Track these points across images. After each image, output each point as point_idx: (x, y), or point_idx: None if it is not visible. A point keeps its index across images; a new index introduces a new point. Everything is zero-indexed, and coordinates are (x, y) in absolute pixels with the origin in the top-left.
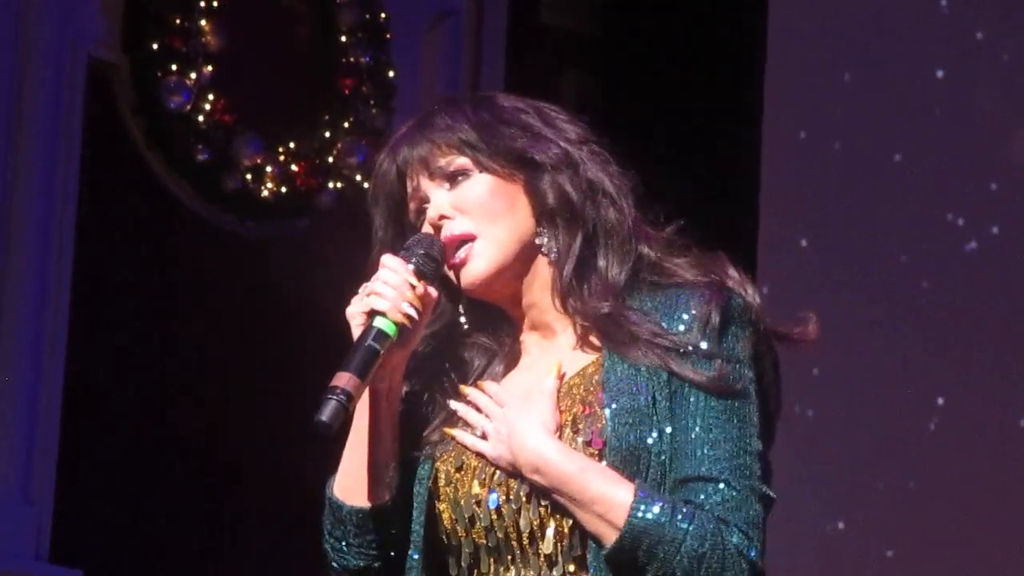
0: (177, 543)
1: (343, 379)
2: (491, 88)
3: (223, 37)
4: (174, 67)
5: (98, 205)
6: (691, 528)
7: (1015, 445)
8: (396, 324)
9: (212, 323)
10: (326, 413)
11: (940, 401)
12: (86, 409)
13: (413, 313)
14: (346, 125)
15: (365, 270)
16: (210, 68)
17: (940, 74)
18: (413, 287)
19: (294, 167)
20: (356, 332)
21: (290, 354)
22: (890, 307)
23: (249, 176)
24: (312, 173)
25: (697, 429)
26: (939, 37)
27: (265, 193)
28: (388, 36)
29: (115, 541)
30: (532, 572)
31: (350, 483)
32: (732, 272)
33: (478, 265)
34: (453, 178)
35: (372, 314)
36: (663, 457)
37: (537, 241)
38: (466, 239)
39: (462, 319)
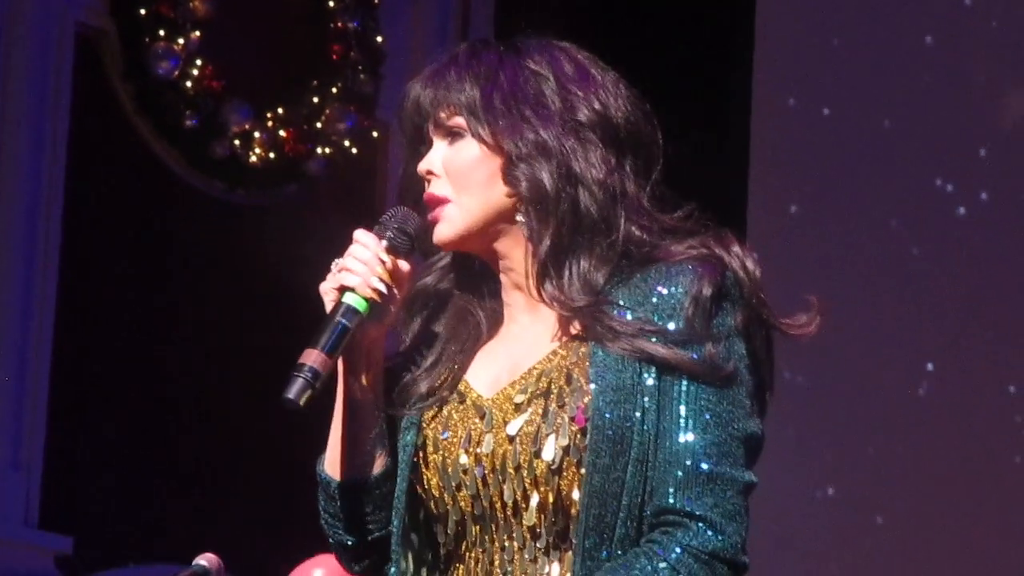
0: (167, 509)
1: (311, 356)
2: None
3: (211, 3)
4: (162, 33)
5: (86, 171)
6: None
7: (1004, 411)
8: (367, 300)
9: (202, 289)
10: (292, 390)
11: (929, 367)
12: (75, 375)
13: (382, 288)
14: (335, 91)
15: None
16: (198, 34)
17: (929, 40)
18: (383, 262)
19: (283, 133)
20: (328, 308)
21: (280, 320)
22: (879, 273)
23: (238, 142)
24: (301, 139)
25: (683, 411)
26: (928, 3)
27: (254, 159)
28: (377, 2)
29: (105, 508)
30: (516, 543)
31: (337, 459)
32: (735, 248)
33: (445, 229)
34: (451, 134)
35: (343, 290)
36: (647, 435)
37: (518, 217)
38: (441, 202)
39: (472, 278)
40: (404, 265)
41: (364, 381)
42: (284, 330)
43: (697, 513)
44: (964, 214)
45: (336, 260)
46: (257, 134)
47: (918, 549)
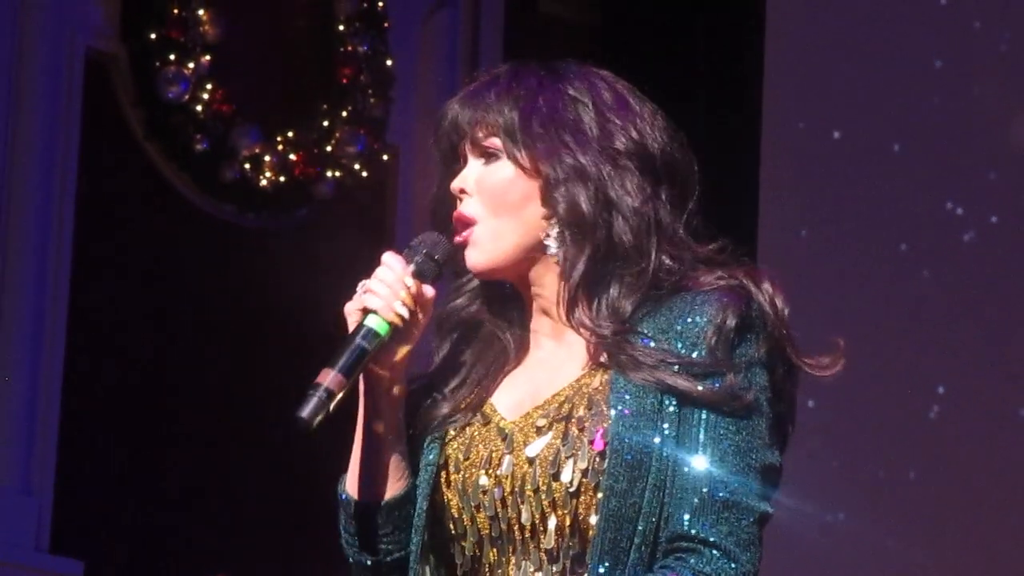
0: (178, 534)
1: (327, 376)
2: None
3: (221, 27)
4: (172, 57)
5: (97, 196)
6: None
7: (1015, 434)
8: (388, 323)
9: (212, 314)
10: (305, 409)
11: (941, 390)
12: (86, 400)
13: (404, 313)
14: (344, 114)
15: (367, 258)
16: (208, 58)
17: (938, 64)
18: (408, 287)
19: (292, 157)
20: (350, 329)
21: (290, 344)
22: (890, 297)
23: (247, 166)
24: (310, 163)
25: (702, 439)
26: (937, 27)
27: (264, 183)
28: (386, 25)
29: (116, 532)
30: (533, 566)
31: (358, 481)
32: (765, 283)
33: (476, 256)
34: (487, 154)
35: (366, 312)
36: (666, 462)
37: (546, 242)
38: (469, 223)
39: (501, 303)
40: (429, 291)
41: (384, 404)
42: (294, 353)
43: (711, 540)
44: (974, 238)
45: (362, 281)
46: (267, 157)
47: (930, 574)
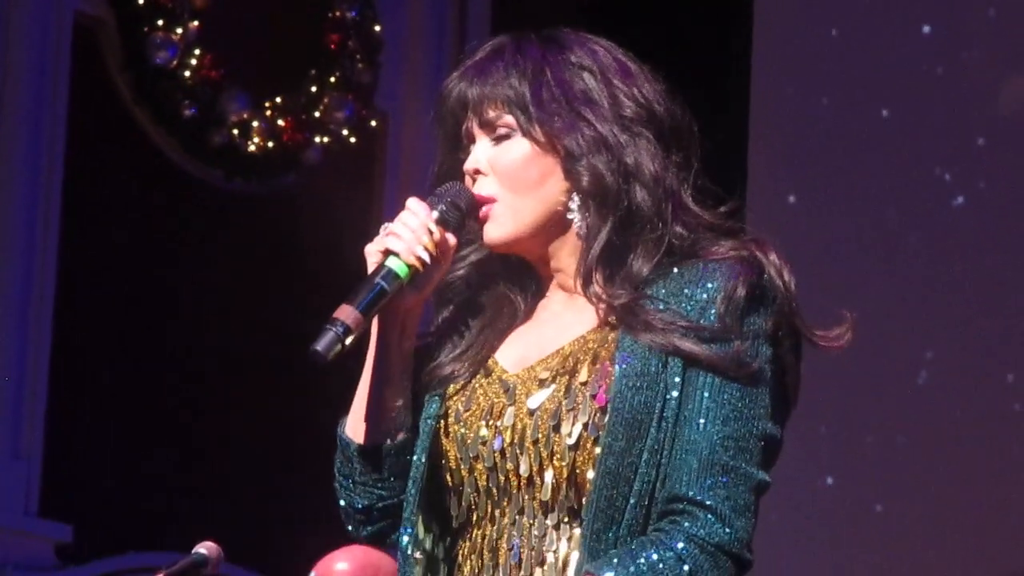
0: (167, 497)
1: (344, 312)
2: (477, 38)
3: None
4: (160, 23)
5: (85, 161)
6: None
7: (1003, 399)
8: (408, 267)
9: (200, 278)
10: (321, 343)
11: (929, 355)
12: (74, 364)
13: (426, 257)
14: (332, 80)
15: (355, 223)
16: (196, 24)
17: (927, 29)
18: (431, 232)
19: (280, 122)
20: (370, 269)
21: (278, 308)
22: (878, 262)
23: (236, 132)
24: (299, 128)
25: (705, 403)
26: None
27: (252, 148)
28: None
29: (105, 496)
30: (527, 518)
31: (359, 423)
32: (772, 256)
33: (495, 230)
34: (498, 132)
35: (387, 253)
36: (666, 425)
37: (568, 216)
38: (487, 201)
39: (509, 264)
40: (451, 238)
41: (395, 348)
42: (283, 317)
43: (707, 503)
44: (962, 203)
45: (385, 224)
46: (255, 123)
47: (918, 537)
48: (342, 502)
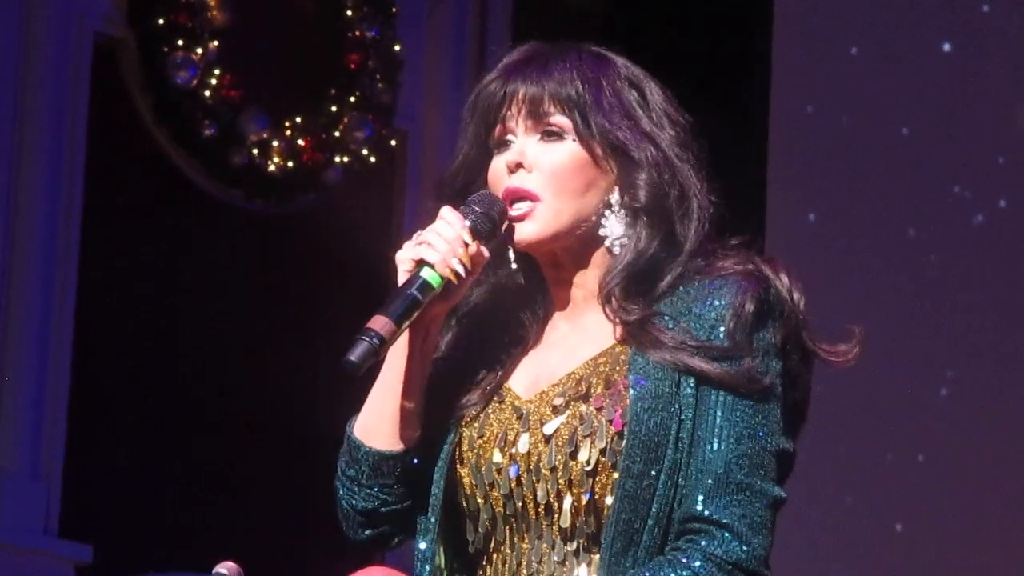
0: (187, 518)
1: (379, 323)
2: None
3: (229, 12)
4: (180, 43)
5: (105, 181)
6: None
7: None
8: (442, 277)
9: (220, 298)
10: (356, 353)
11: (949, 374)
12: (94, 385)
13: (461, 270)
14: (352, 100)
15: (374, 244)
16: (216, 43)
17: (947, 47)
18: (466, 244)
19: (300, 142)
20: (402, 277)
21: (297, 327)
22: (898, 280)
23: (256, 151)
24: (319, 148)
25: (718, 421)
26: (945, 10)
27: (272, 168)
28: (394, 10)
29: (124, 516)
30: (547, 544)
31: (372, 425)
32: (782, 272)
33: (532, 228)
34: (548, 132)
35: (420, 263)
36: (683, 445)
37: (601, 232)
38: (529, 198)
39: (513, 266)
40: (484, 251)
41: (419, 355)
42: (303, 337)
43: (724, 521)
44: (982, 221)
45: (418, 232)
46: (275, 143)
47: (938, 557)
48: (343, 503)
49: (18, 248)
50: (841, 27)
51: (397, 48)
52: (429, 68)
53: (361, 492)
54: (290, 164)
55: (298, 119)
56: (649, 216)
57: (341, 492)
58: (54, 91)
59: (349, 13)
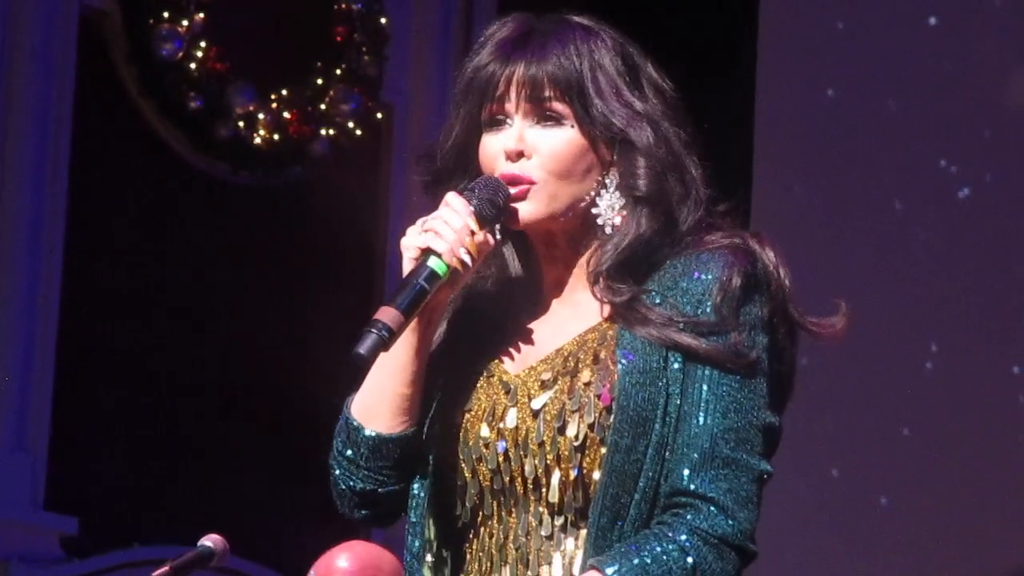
0: (173, 490)
1: (388, 314)
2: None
3: None
4: (166, 15)
5: (91, 153)
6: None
7: (1008, 391)
8: (449, 266)
9: (206, 270)
10: (365, 346)
11: (933, 347)
12: (80, 357)
13: (468, 260)
14: (339, 73)
15: (361, 216)
16: (202, 16)
17: (933, 21)
18: (472, 233)
19: (287, 115)
20: (407, 265)
21: (284, 300)
22: (883, 253)
23: (242, 124)
24: (305, 121)
25: (704, 396)
26: None
27: (258, 141)
28: None
29: (111, 489)
30: (534, 519)
31: (371, 407)
32: (768, 248)
33: (531, 209)
34: (546, 116)
35: (427, 252)
36: (670, 419)
37: (594, 211)
38: (529, 183)
39: (510, 257)
40: (490, 238)
41: (421, 340)
42: (290, 310)
43: (710, 495)
44: (968, 195)
45: (423, 218)
46: (261, 116)
47: (922, 529)
48: (340, 484)
49: (4, 221)
50: (827, 1)
51: (383, 21)
52: (415, 41)
53: (359, 473)
54: (276, 137)
55: (284, 92)
56: (650, 203)
57: (338, 472)
58: (40, 63)
59: None
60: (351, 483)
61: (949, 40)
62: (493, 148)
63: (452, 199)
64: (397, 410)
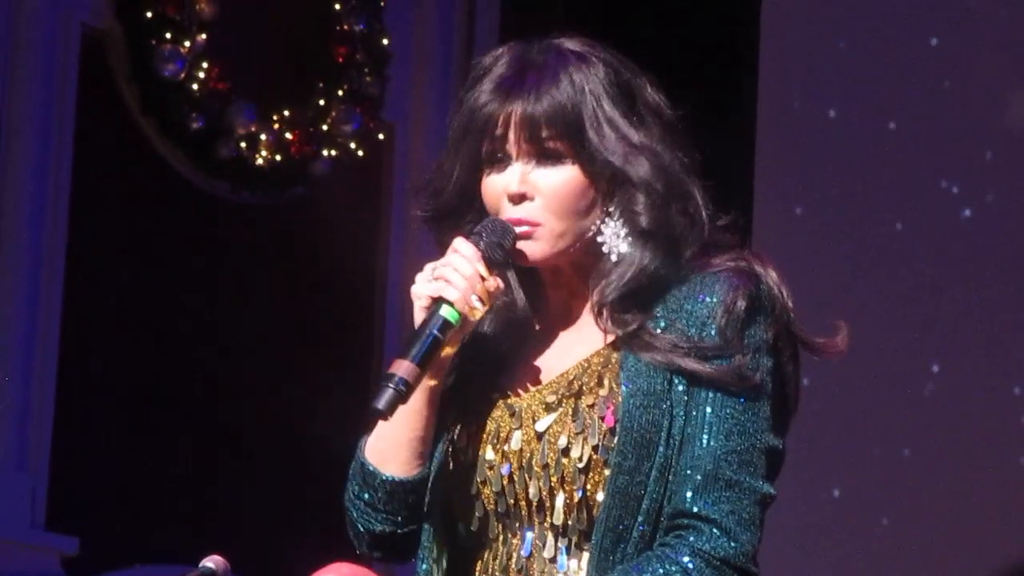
0: (174, 510)
1: (402, 367)
2: (484, 51)
3: (217, 5)
4: (168, 35)
5: (92, 173)
6: None
7: (1009, 412)
8: (461, 314)
9: (206, 291)
10: (383, 401)
11: (935, 368)
12: (81, 377)
13: (480, 307)
14: (340, 93)
15: (362, 236)
16: (204, 36)
17: (934, 42)
18: (483, 279)
19: (288, 135)
20: (419, 314)
21: (285, 321)
22: (885, 274)
23: (243, 144)
24: (306, 141)
25: (708, 418)
26: (932, 5)
27: (259, 161)
28: (382, 3)
29: (111, 509)
30: (538, 540)
31: (386, 452)
32: (771, 269)
33: (536, 249)
34: (545, 155)
35: (438, 300)
36: (674, 441)
37: (600, 240)
38: (533, 225)
39: (514, 283)
40: (500, 283)
41: (433, 386)
42: (291, 330)
43: (712, 517)
44: (969, 216)
45: (432, 264)
46: (263, 136)
47: (924, 550)
48: (359, 526)
49: (5, 240)
50: (829, 21)
51: (385, 41)
52: (417, 61)
53: (378, 516)
54: (278, 157)
55: (286, 112)
56: (653, 236)
57: (355, 515)
58: (42, 82)
59: (337, 6)
60: (370, 526)
61: (950, 60)
62: (495, 189)
63: (461, 245)
64: (413, 454)
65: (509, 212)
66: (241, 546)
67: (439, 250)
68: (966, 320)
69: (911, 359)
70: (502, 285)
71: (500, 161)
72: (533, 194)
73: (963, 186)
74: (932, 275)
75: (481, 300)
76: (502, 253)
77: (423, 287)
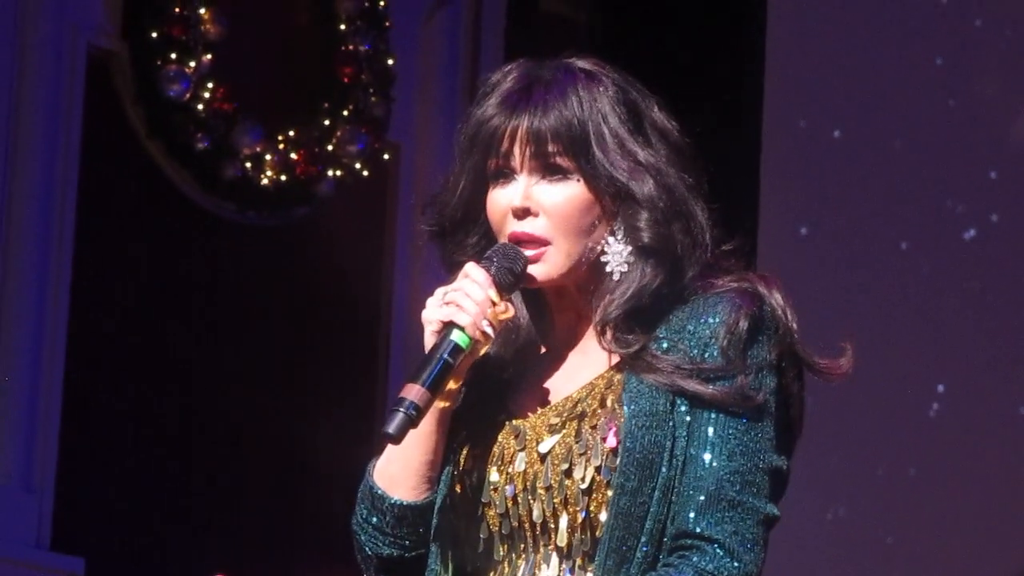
0: (179, 531)
1: (413, 392)
2: (490, 71)
3: (222, 25)
4: (174, 55)
5: (98, 193)
6: None
7: (1015, 432)
8: (471, 339)
9: (213, 312)
10: (393, 426)
11: (940, 388)
12: (87, 398)
13: (491, 332)
14: (345, 113)
15: (367, 257)
16: (209, 56)
17: (939, 62)
18: (494, 304)
19: (294, 155)
20: (430, 339)
21: (290, 341)
22: (890, 294)
23: (249, 164)
24: (312, 161)
25: (711, 438)
26: (938, 25)
27: (265, 181)
28: (387, 24)
29: (116, 529)
30: (543, 561)
31: (396, 476)
32: (775, 290)
33: (544, 270)
34: (552, 171)
35: (449, 325)
36: (676, 463)
37: (603, 259)
38: (539, 243)
39: (519, 304)
40: (510, 308)
41: (443, 410)
42: (295, 352)
43: (715, 537)
44: (974, 236)
45: (443, 288)
46: (268, 156)
47: (928, 570)
48: (367, 550)
49: (10, 260)
50: (834, 41)
51: (390, 62)
52: (422, 82)
53: (386, 540)
54: (283, 177)
55: (291, 132)
56: (655, 254)
57: (364, 539)
58: (47, 103)
59: (342, 27)
60: (378, 550)
61: (956, 81)
62: (500, 204)
63: (471, 270)
64: (422, 478)
65: (513, 227)
66: (246, 567)
67: (444, 268)
68: (972, 340)
69: (916, 379)
70: (512, 311)
71: (505, 175)
72: (538, 210)
73: (968, 205)
74: (937, 294)
75: (491, 324)
76: (512, 278)
77: (434, 312)
